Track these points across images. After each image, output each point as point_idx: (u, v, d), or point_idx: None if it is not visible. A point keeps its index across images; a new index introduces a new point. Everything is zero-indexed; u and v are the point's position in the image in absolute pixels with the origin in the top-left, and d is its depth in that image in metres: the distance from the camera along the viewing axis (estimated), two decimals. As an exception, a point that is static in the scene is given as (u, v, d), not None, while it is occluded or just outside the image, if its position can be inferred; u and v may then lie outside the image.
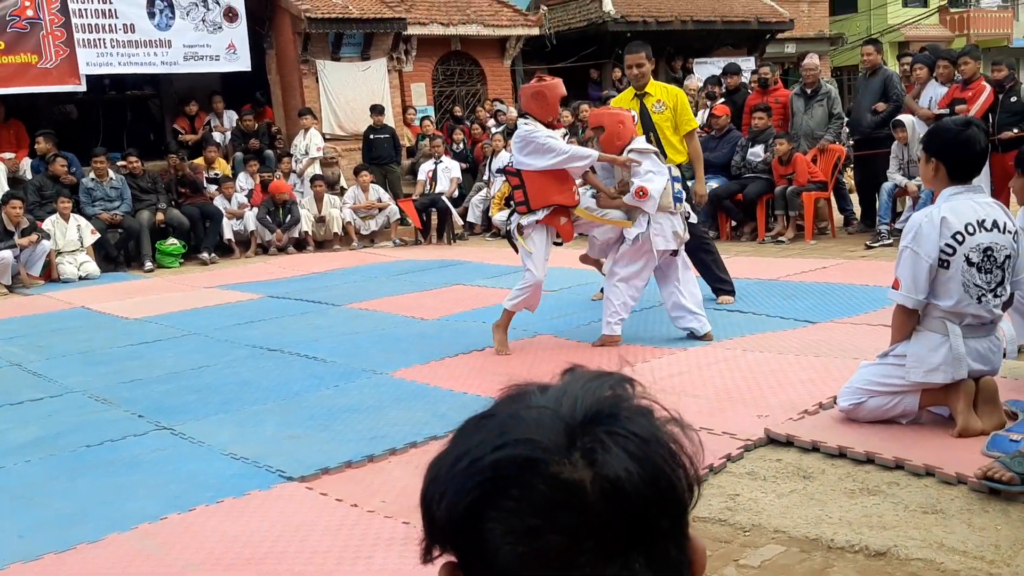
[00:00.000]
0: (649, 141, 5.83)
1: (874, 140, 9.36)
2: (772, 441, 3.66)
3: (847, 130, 10.33)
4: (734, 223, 10.05)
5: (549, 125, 5.39)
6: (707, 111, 11.30)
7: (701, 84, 13.71)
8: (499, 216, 12.02)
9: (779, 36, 20.70)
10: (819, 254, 8.47)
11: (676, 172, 5.65)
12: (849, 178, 10.50)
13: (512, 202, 5.49)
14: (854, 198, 10.16)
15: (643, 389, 0.72)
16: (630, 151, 5.42)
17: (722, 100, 10.99)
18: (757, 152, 9.68)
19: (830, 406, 3.93)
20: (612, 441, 0.66)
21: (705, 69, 16.72)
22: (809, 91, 9.84)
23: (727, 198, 9.76)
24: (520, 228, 5.41)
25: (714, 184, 9.77)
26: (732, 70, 11.14)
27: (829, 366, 4.57)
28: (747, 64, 15.39)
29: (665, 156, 5.84)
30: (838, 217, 10.05)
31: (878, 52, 9.63)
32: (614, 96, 13.79)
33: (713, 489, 3.25)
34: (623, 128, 5.48)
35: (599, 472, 0.64)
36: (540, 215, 5.34)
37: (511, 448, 0.66)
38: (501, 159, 12.37)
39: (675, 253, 5.50)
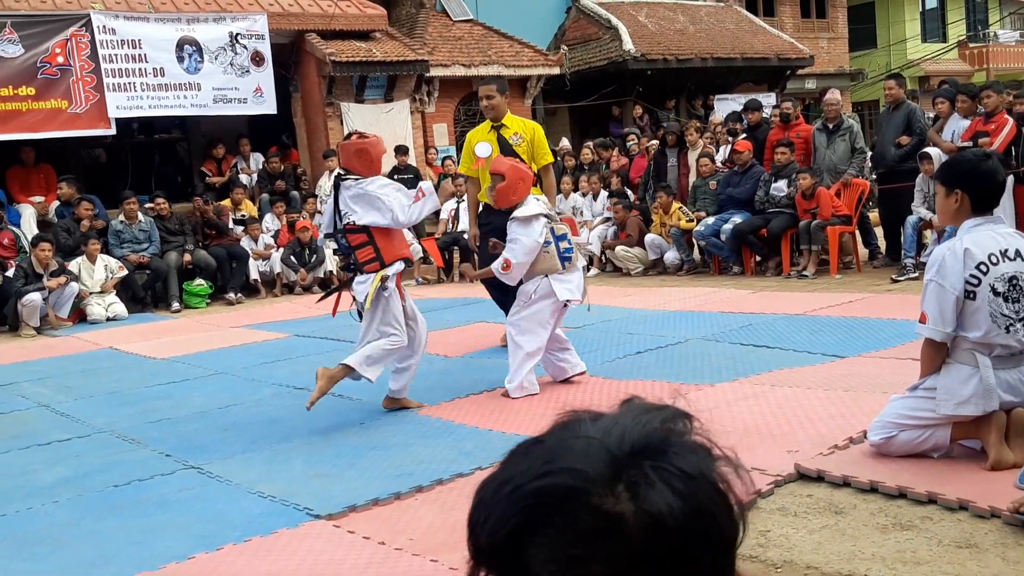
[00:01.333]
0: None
1: (898, 174, 9.34)
2: (802, 476, 3.62)
3: (870, 164, 10.32)
4: (759, 258, 10.02)
5: None
6: (728, 147, 11.33)
7: (715, 120, 13.79)
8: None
9: (799, 72, 20.80)
10: (845, 288, 8.42)
11: (562, 230, 5.44)
12: (873, 212, 10.46)
13: (351, 263, 5.13)
14: (879, 232, 10.11)
15: (699, 425, 0.72)
16: (513, 219, 5.31)
17: (743, 136, 11.02)
18: (780, 187, 9.68)
19: (860, 440, 3.88)
20: (656, 476, 0.66)
21: (726, 105, 16.78)
22: (831, 126, 9.84)
23: (751, 233, 9.74)
24: (384, 285, 5.02)
25: (738, 219, 9.78)
26: (753, 106, 11.18)
27: (858, 400, 4.52)
28: (768, 100, 15.44)
29: None
30: (863, 251, 10.00)
31: (900, 87, 9.64)
32: (635, 133, 13.95)
33: (743, 525, 3.21)
34: (522, 185, 5.38)
35: (641, 506, 0.64)
36: (394, 269, 5.08)
37: (555, 476, 0.66)
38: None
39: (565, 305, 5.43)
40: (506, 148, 6.17)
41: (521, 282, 5.42)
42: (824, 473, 3.57)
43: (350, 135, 5.43)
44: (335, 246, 5.27)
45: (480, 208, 6.44)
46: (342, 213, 5.10)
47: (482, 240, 6.27)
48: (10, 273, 10.00)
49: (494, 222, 5.97)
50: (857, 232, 9.81)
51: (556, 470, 0.66)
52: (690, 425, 0.71)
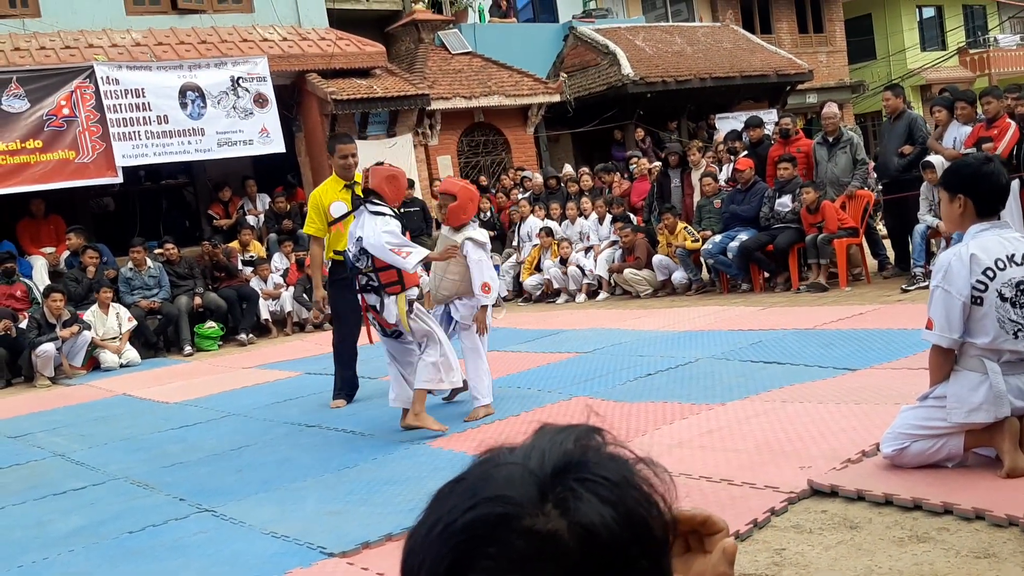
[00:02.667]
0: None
1: (903, 183, 9.33)
2: (816, 492, 3.59)
3: (875, 175, 10.30)
4: (767, 274, 10.00)
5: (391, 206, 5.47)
6: (731, 165, 11.35)
7: (719, 139, 13.83)
8: (530, 281, 12.11)
9: (800, 87, 20.86)
10: (855, 301, 8.39)
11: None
12: (880, 223, 10.44)
13: (372, 283, 5.31)
14: (886, 243, 10.08)
15: (611, 436, 0.73)
16: (469, 239, 5.65)
17: (745, 153, 11.04)
18: (785, 202, 9.68)
19: (873, 453, 3.85)
20: (583, 488, 0.66)
21: (727, 124, 16.83)
22: (831, 139, 9.86)
23: (758, 249, 9.72)
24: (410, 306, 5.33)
25: (744, 236, 9.77)
26: (754, 123, 11.21)
27: (870, 413, 4.49)
28: (769, 116, 15.48)
29: None
30: (872, 262, 9.96)
31: (898, 97, 9.65)
32: (638, 156, 14.00)
33: (758, 544, 3.19)
34: (471, 206, 5.81)
35: (573, 519, 0.65)
36: (413, 293, 5.36)
37: (483, 507, 0.66)
38: (529, 224, 12.49)
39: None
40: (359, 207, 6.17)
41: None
42: (838, 488, 3.54)
43: (381, 163, 5.75)
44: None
45: (329, 266, 6.53)
46: (364, 236, 5.26)
47: (334, 297, 6.37)
48: (24, 324, 10.08)
49: (348, 276, 5.93)
50: (865, 243, 9.79)
51: (482, 500, 0.66)
52: (604, 438, 0.72)
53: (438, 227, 13.91)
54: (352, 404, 6.69)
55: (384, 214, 5.30)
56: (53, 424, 7.39)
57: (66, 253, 11.71)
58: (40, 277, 11.32)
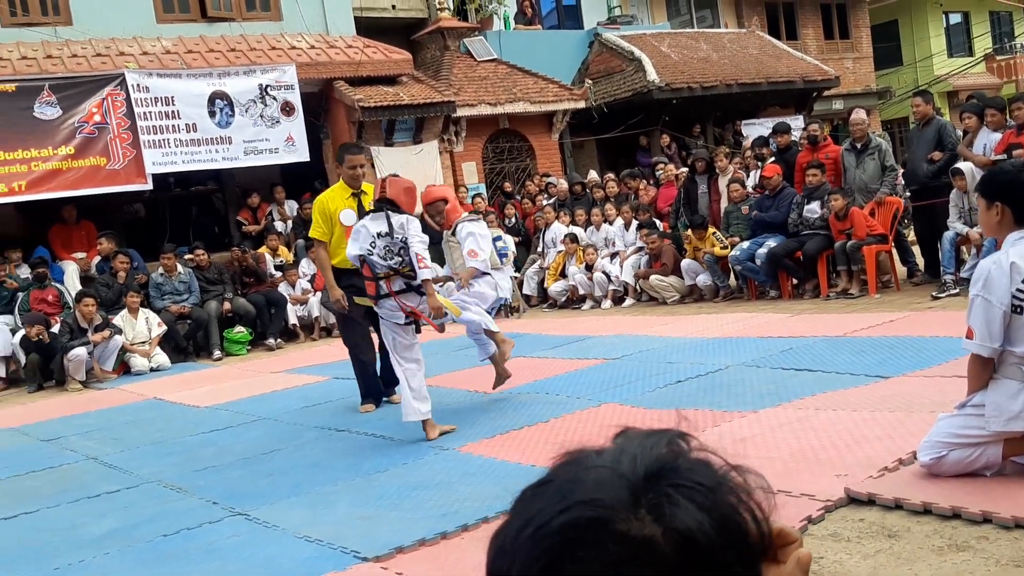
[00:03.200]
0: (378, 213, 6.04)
1: (932, 190, 9.25)
2: (853, 500, 3.56)
3: (903, 181, 10.22)
4: (795, 281, 9.94)
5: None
6: (758, 172, 11.31)
7: (748, 144, 13.77)
8: (555, 287, 12.11)
9: (826, 93, 20.74)
10: (885, 308, 8.32)
11: (498, 232, 6.36)
12: (909, 229, 10.35)
13: (413, 283, 5.52)
14: (916, 249, 10.00)
15: (699, 442, 0.72)
16: (459, 222, 6.09)
17: (772, 159, 10.99)
18: (814, 209, 9.62)
19: (910, 462, 3.82)
20: (678, 494, 0.66)
21: (753, 130, 16.77)
22: (859, 146, 9.79)
23: (786, 256, 9.67)
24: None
25: (772, 243, 9.72)
26: (782, 129, 11.15)
27: (905, 421, 4.45)
28: (796, 123, 15.40)
29: None
30: (901, 270, 9.88)
31: (927, 103, 9.57)
32: (664, 162, 13.97)
33: (795, 553, 3.16)
34: (459, 205, 6.32)
35: (668, 525, 0.64)
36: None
37: (576, 510, 0.65)
38: (554, 230, 12.49)
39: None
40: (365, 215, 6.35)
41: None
42: (875, 496, 3.51)
43: (395, 175, 5.90)
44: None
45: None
46: (397, 234, 5.42)
47: (348, 300, 6.41)
48: (56, 329, 10.19)
49: (356, 283, 6.08)
50: (894, 250, 9.71)
51: (575, 503, 0.66)
52: (693, 443, 0.71)
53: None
54: (380, 408, 6.72)
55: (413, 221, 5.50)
56: (85, 428, 7.46)
57: (97, 258, 11.84)
58: (72, 282, 11.46)
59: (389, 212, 5.45)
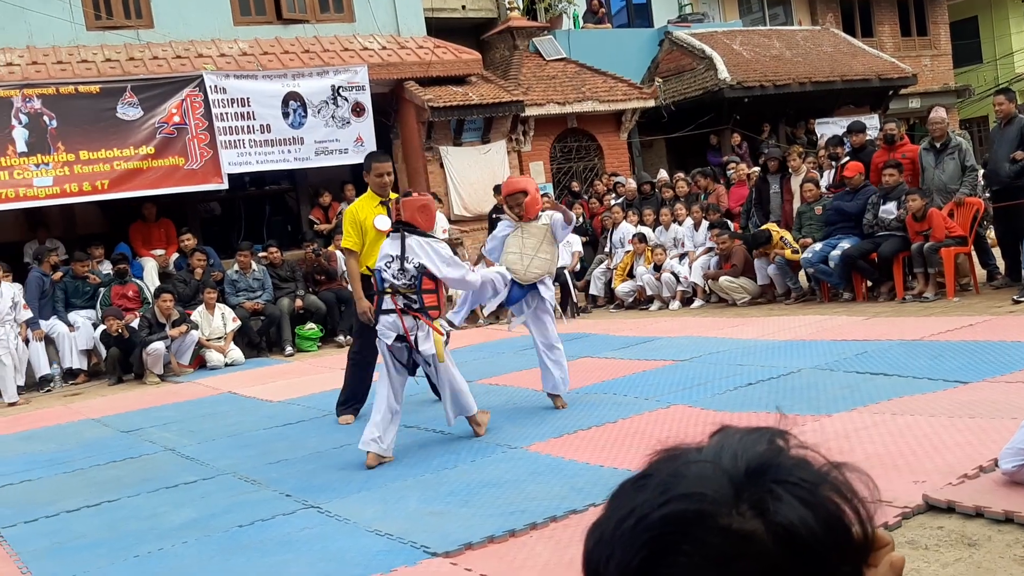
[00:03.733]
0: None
1: (1014, 191, 8.95)
2: (931, 508, 3.48)
3: (983, 182, 9.93)
4: (869, 283, 9.73)
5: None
6: (832, 171, 11.09)
7: (816, 145, 13.51)
8: (622, 287, 12.05)
9: (902, 92, 20.26)
10: (963, 311, 8.09)
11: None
12: (989, 231, 10.05)
13: (413, 305, 5.33)
14: (996, 252, 9.70)
15: (800, 440, 0.72)
16: (549, 213, 6.24)
17: (847, 159, 10.77)
18: (890, 209, 9.40)
19: (991, 469, 3.71)
20: (782, 489, 0.65)
21: (828, 129, 16.47)
22: (938, 145, 9.54)
23: (861, 258, 9.47)
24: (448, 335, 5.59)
25: (846, 244, 9.52)
26: (857, 128, 10.92)
27: (986, 427, 4.33)
28: (871, 122, 15.07)
29: None
30: (981, 272, 9.60)
31: (1010, 101, 9.28)
32: (735, 162, 13.80)
33: (870, 559, 3.10)
34: (539, 195, 6.31)
35: (772, 519, 0.64)
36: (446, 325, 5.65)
37: (677, 503, 0.65)
38: (622, 230, 12.43)
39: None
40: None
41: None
42: (955, 504, 3.43)
43: (409, 192, 5.83)
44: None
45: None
46: (408, 258, 5.36)
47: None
48: (135, 324, 10.50)
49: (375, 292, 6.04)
50: (974, 253, 9.43)
51: (676, 496, 0.66)
52: (793, 441, 0.71)
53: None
54: (431, 409, 6.74)
55: (437, 239, 5.58)
56: (163, 420, 7.68)
57: (176, 255, 12.18)
58: (151, 278, 11.80)
59: (405, 233, 5.41)
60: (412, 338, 5.31)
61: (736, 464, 0.68)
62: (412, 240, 5.38)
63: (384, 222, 6.29)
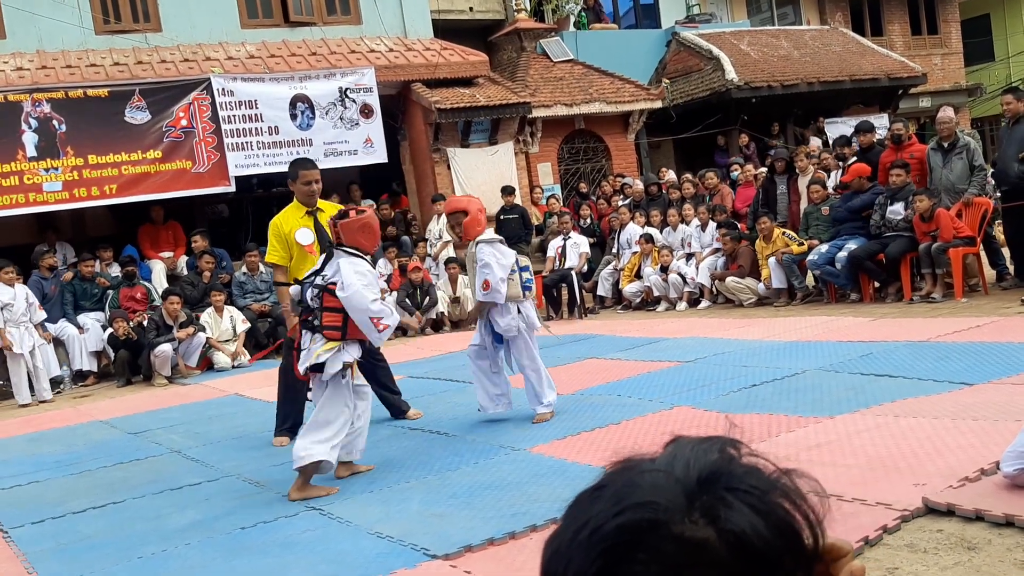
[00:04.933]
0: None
1: (1023, 190, 8.91)
2: (931, 511, 3.47)
3: (993, 182, 9.88)
4: (877, 284, 9.70)
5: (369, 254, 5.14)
6: (839, 172, 11.06)
7: (829, 144, 13.47)
8: (630, 288, 12.05)
9: (912, 91, 20.18)
10: (971, 312, 8.06)
11: (525, 262, 6.03)
12: (998, 231, 10.00)
13: (315, 324, 4.88)
14: (1005, 252, 9.65)
15: (750, 449, 0.73)
16: (479, 242, 5.81)
17: (854, 159, 10.74)
18: (897, 210, 9.36)
19: (992, 472, 3.69)
20: (733, 497, 0.66)
21: (836, 128, 16.43)
22: (946, 145, 9.50)
23: (868, 259, 9.43)
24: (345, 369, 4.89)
25: (853, 245, 9.50)
26: (865, 128, 10.89)
27: (989, 430, 4.31)
28: (880, 121, 15.03)
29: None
30: (990, 273, 9.55)
31: (1019, 100, 9.22)
32: (740, 163, 13.78)
33: (870, 563, 3.10)
34: (482, 216, 5.89)
35: (723, 527, 0.65)
36: (350, 354, 4.91)
37: (632, 512, 0.66)
38: (629, 231, 12.43)
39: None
40: (323, 233, 5.90)
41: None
42: (955, 507, 3.41)
43: (345, 212, 5.20)
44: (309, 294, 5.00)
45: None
46: (324, 273, 4.96)
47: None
48: (144, 324, 10.55)
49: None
50: (983, 253, 9.39)
51: (630, 506, 0.67)
52: (744, 449, 0.72)
53: (538, 233, 14.03)
54: (452, 407, 6.77)
55: (362, 259, 4.99)
56: (170, 422, 7.71)
57: (184, 257, 12.23)
58: (159, 280, 11.86)
59: (341, 257, 4.92)
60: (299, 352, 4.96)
61: (688, 473, 0.69)
62: (342, 262, 4.89)
63: (306, 236, 5.96)
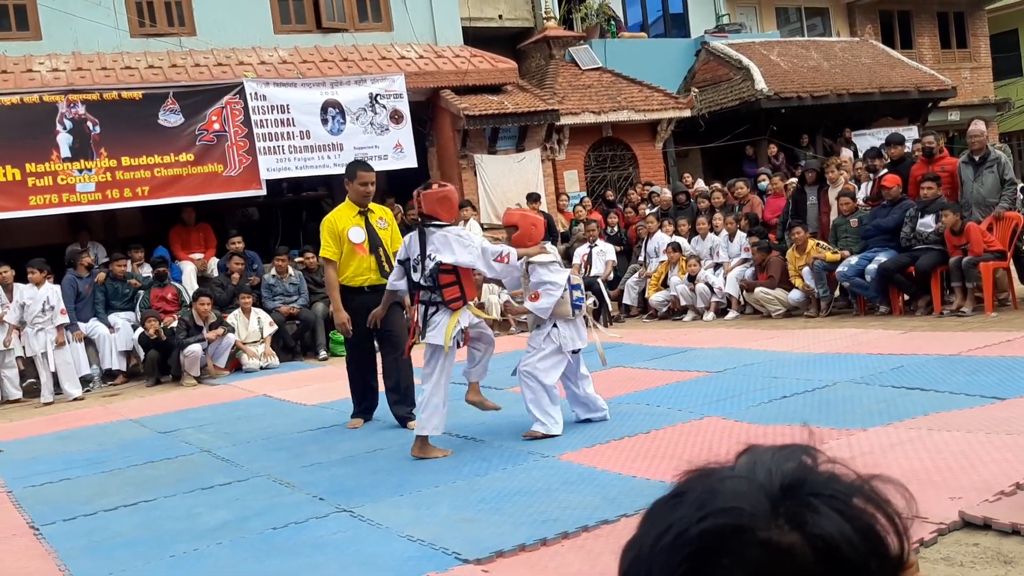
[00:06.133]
0: (377, 255, 6.20)
1: (1055, 205, 8.84)
2: (967, 524, 3.44)
3: (1022, 196, 9.79)
4: (907, 297, 9.63)
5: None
6: (870, 183, 11.00)
7: (860, 156, 13.39)
8: (656, 297, 12.02)
9: (941, 104, 20.03)
10: (1002, 327, 7.99)
11: (577, 280, 5.98)
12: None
13: (438, 300, 5.48)
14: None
15: (829, 456, 0.73)
16: (532, 262, 5.75)
17: (885, 171, 10.68)
18: (928, 223, 9.30)
19: (1029, 487, 3.67)
20: (820, 502, 0.66)
21: (865, 141, 16.33)
22: (977, 158, 9.43)
23: (898, 271, 9.37)
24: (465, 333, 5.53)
25: (883, 258, 9.43)
26: (895, 140, 10.84)
27: (1023, 444, 4.28)
28: (909, 134, 14.93)
29: (390, 268, 6.18)
30: (1020, 287, 9.46)
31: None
32: (768, 173, 13.73)
33: (905, 576, 3.08)
34: (535, 231, 5.83)
35: (811, 532, 0.65)
36: (467, 317, 5.50)
37: (715, 518, 0.66)
38: (656, 240, 12.41)
39: (575, 352, 5.87)
40: (373, 233, 6.46)
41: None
42: (991, 521, 3.39)
43: (428, 184, 5.79)
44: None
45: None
46: (429, 254, 5.44)
47: (355, 321, 6.38)
48: (174, 326, 10.65)
49: (358, 301, 6.30)
50: (1013, 267, 9.30)
51: (714, 511, 0.66)
52: (822, 456, 0.72)
53: (564, 240, 14.04)
54: (481, 413, 6.77)
55: (458, 234, 5.52)
56: (199, 421, 7.78)
57: (214, 259, 12.34)
58: (189, 281, 11.96)
59: (425, 229, 5.50)
60: (417, 327, 5.55)
61: (771, 479, 0.69)
62: (432, 236, 5.46)
63: (359, 234, 6.37)
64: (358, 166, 6.62)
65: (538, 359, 5.77)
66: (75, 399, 10.02)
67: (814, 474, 0.70)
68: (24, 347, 10.21)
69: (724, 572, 0.64)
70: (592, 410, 5.98)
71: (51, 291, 10.29)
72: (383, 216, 6.64)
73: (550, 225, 13.25)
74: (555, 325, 5.80)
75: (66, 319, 10.36)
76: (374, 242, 6.47)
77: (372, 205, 6.62)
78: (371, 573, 3.69)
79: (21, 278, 10.31)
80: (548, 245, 6.06)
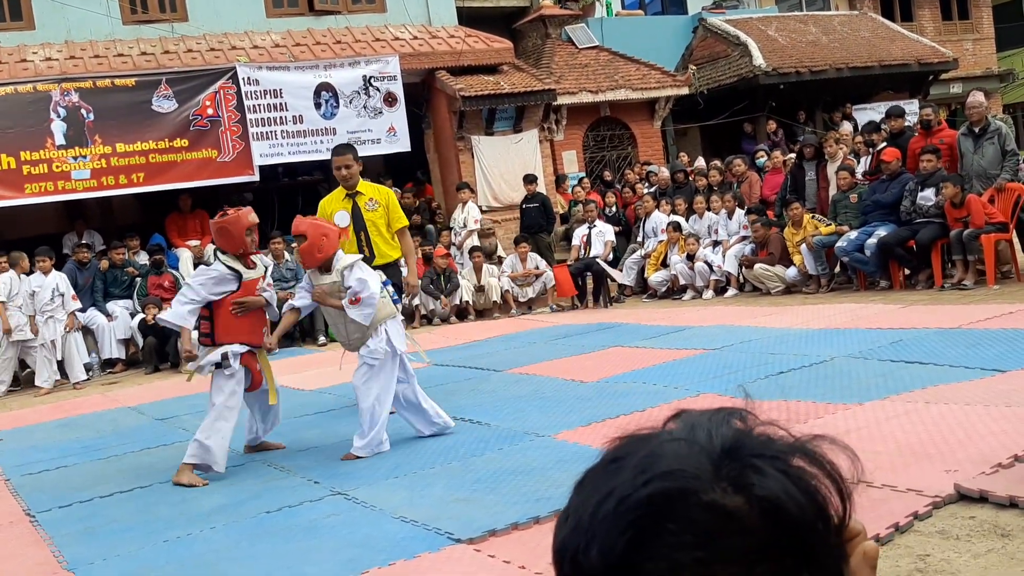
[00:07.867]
0: (360, 239, 6.11)
1: (1057, 175, 8.76)
2: (963, 497, 3.41)
3: (1024, 167, 9.71)
4: (907, 271, 9.57)
5: (244, 255, 5.47)
6: (868, 157, 10.92)
7: (857, 130, 13.30)
8: (655, 276, 11.97)
9: (943, 76, 19.89)
10: (1004, 299, 7.93)
11: (383, 277, 5.75)
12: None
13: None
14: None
15: (765, 418, 0.70)
16: (344, 269, 5.36)
17: (885, 144, 10.60)
18: (928, 196, 9.23)
19: (1027, 459, 3.63)
20: (763, 463, 0.64)
21: (865, 115, 16.23)
22: (977, 130, 9.34)
23: (898, 245, 9.30)
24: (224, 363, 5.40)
25: (883, 232, 9.37)
26: (895, 112, 10.74)
27: (1022, 416, 4.23)
28: (910, 107, 14.82)
29: (373, 254, 6.16)
30: (1022, 259, 9.40)
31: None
32: (765, 150, 13.65)
33: (900, 549, 3.05)
34: (326, 241, 5.36)
35: (756, 494, 0.62)
36: (230, 354, 5.37)
37: (659, 481, 0.63)
38: (655, 219, 12.35)
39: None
40: (359, 215, 6.40)
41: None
42: (987, 493, 3.35)
43: (224, 211, 5.65)
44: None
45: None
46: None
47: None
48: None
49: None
50: (1015, 239, 9.23)
51: (659, 474, 0.64)
52: (759, 419, 0.69)
53: (563, 222, 13.98)
54: (477, 395, 6.76)
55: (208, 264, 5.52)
56: (197, 407, 7.72)
57: (210, 246, 12.28)
58: (186, 268, 11.92)
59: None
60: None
61: (712, 441, 0.66)
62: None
63: (343, 218, 6.31)
64: (333, 151, 6.59)
65: (372, 375, 5.47)
66: (76, 385, 10.05)
67: (753, 436, 0.67)
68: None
69: (670, 537, 0.62)
70: (432, 422, 5.60)
71: (59, 278, 10.31)
72: (374, 197, 6.57)
73: (546, 208, 13.20)
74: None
75: (78, 304, 10.39)
76: (358, 225, 6.45)
77: (366, 186, 6.54)
78: (363, 555, 3.67)
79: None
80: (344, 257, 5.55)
